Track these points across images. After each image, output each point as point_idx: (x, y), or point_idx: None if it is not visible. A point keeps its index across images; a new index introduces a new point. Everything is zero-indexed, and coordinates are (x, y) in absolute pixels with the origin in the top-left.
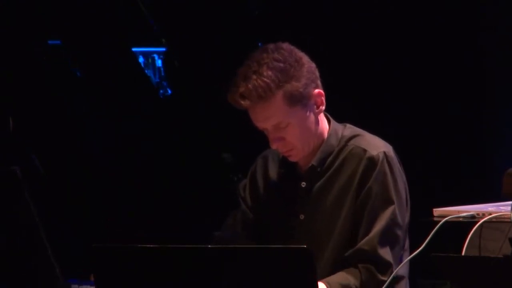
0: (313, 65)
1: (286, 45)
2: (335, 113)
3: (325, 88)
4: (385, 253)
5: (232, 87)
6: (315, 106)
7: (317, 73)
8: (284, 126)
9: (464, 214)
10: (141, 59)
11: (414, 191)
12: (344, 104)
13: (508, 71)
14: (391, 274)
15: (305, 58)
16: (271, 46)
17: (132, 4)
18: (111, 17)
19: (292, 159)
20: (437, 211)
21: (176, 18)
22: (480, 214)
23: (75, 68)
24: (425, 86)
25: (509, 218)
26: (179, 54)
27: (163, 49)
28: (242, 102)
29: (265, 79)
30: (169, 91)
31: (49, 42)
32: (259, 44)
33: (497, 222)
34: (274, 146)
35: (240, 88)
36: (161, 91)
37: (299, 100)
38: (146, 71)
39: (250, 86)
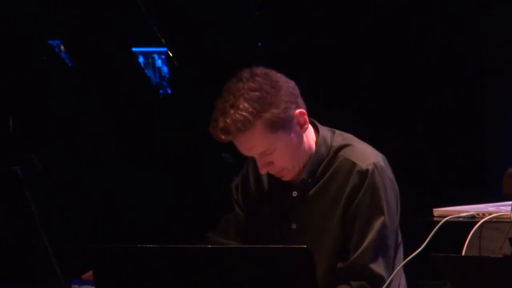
0: (292, 84)
1: (260, 71)
2: (334, 115)
3: (324, 87)
4: (377, 266)
5: (212, 121)
6: (298, 127)
7: (297, 91)
8: (270, 152)
9: (464, 214)
10: (141, 59)
11: (414, 191)
12: (344, 104)
13: (508, 71)
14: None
15: (282, 80)
16: (245, 74)
17: (132, 4)
18: (111, 17)
19: (285, 178)
20: (437, 211)
21: (176, 18)
22: (480, 214)
23: (74, 67)
24: (425, 86)
25: (509, 218)
26: (179, 54)
27: (163, 49)
28: (224, 137)
29: (242, 113)
30: (169, 91)
31: (49, 42)
32: (259, 44)
33: (497, 222)
34: (263, 171)
35: (219, 124)
36: (161, 91)
37: (280, 126)
38: (146, 71)
39: (228, 121)
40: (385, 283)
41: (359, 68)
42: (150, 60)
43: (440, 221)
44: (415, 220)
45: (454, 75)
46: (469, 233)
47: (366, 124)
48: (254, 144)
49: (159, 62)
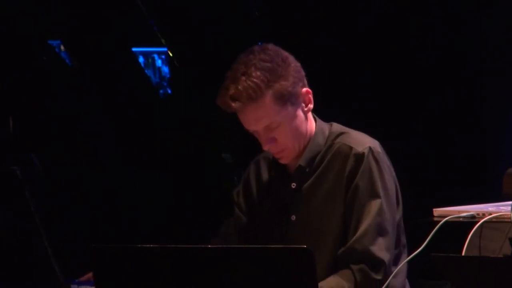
0: (299, 64)
1: (271, 46)
2: (334, 115)
3: (324, 87)
4: (377, 250)
5: (222, 89)
6: (303, 105)
7: (303, 72)
8: (275, 126)
9: (464, 214)
10: (141, 59)
11: (414, 191)
12: (344, 104)
13: (508, 71)
14: (385, 271)
15: (291, 58)
16: (256, 47)
17: (132, 4)
18: (111, 17)
19: (283, 161)
20: (437, 211)
21: (176, 18)
22: (480, 214)
23: (74, 67)
24: (425, 86)
25: (509, 218)
26: (179, 54)
27: (163, 49)
28: (233, 104)
29: (254, 80)
30: (169, 91)
31: (49, 42)
32: (259, 44)
33: (497, 222)
34: (266, 147)
35: (229, 91)
36: (161, 91)
37: (288, 99)
38: (146, 71)
39: (240, 87)
40: (385, 266)
41: (359, 68)
42: (150, 60)
43: (440, 221)
44: (415, 220)
45: (454, 75)
46: (469, 233)
47: (366, 124)
48: (262, 115)
49: (159, 62)
